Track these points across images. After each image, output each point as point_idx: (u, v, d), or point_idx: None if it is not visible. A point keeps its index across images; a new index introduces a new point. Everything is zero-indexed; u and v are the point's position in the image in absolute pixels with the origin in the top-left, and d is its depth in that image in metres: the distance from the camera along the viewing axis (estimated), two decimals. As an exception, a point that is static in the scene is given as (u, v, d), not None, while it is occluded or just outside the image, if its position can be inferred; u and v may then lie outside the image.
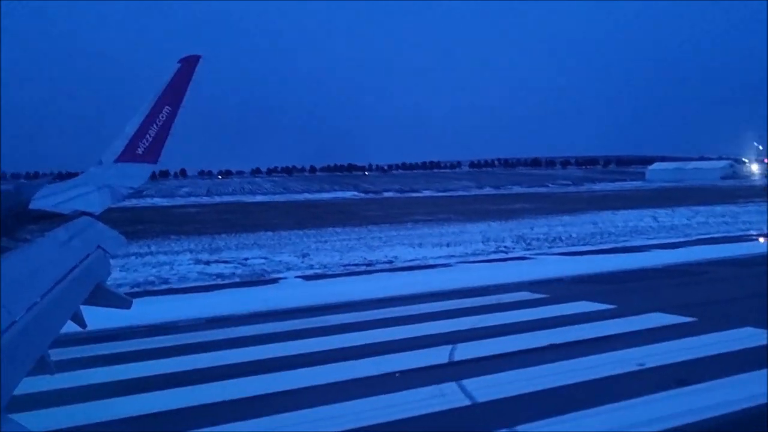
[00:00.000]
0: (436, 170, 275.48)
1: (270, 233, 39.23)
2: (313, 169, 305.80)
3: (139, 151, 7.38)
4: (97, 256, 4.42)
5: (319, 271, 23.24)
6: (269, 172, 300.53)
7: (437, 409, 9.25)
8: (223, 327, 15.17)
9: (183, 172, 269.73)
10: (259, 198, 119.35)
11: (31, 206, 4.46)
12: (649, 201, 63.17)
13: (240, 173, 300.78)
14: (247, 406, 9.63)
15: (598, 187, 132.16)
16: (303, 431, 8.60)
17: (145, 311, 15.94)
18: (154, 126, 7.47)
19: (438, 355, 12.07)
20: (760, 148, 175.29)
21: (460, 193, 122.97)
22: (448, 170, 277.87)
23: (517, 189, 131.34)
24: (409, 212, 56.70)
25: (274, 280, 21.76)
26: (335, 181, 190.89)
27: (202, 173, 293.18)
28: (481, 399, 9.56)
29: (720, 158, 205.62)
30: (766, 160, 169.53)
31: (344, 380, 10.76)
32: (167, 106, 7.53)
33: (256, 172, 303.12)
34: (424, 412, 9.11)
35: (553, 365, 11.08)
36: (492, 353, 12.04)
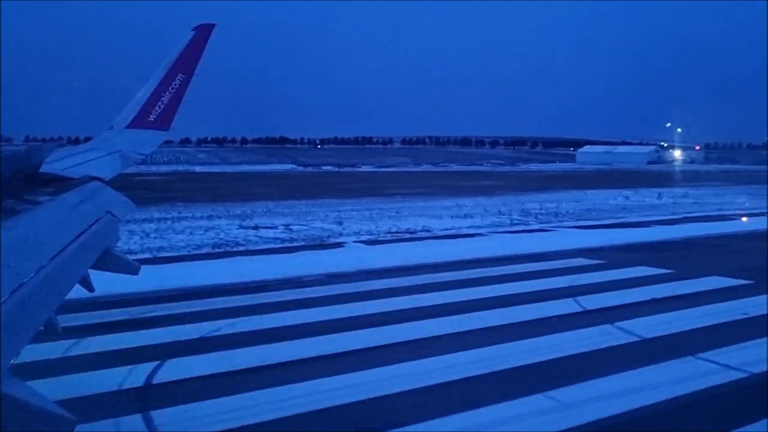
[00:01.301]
0: (368, 146, 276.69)
1: (273, 203, 40.55)
2: (244, 141, 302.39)
3: (151, 118, 7.41)
4: (107, 221, 4.49)
5: (370, 237, 25.14)
6: (199, 142, 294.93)
7: (604, 345, 11.45)
8: (347, 282, 16.94)
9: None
10: (200, 168, 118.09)
11: (42, 169, 4.50)
12: (602, 182, 66.93)
13: (168, 143, 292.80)
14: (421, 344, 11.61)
15: (535, 167, 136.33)
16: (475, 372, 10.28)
17: (271, 266, 17.89)
18: (167, 93, 7.48)
19: (569, 306, 14.33)
20: (679, 130, 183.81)
21: (403, 169, 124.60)
22: (380, 146, 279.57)
23: (454, 167, 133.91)
24: (387, 186, 58.63)
25: (339, 244, 23.53)
26: (270, 154, 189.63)
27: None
28: (648, 335, 11.93)
29: (641, 143, 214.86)
30: (697, 147, 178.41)
31: (510, 323, 12.90)
32: (180, 74, 7.52)
33: (186, 142, 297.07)
34: (594, 348, 11.27)
35: (676, 312, 13.53)
36: (615, 304, 14.37)
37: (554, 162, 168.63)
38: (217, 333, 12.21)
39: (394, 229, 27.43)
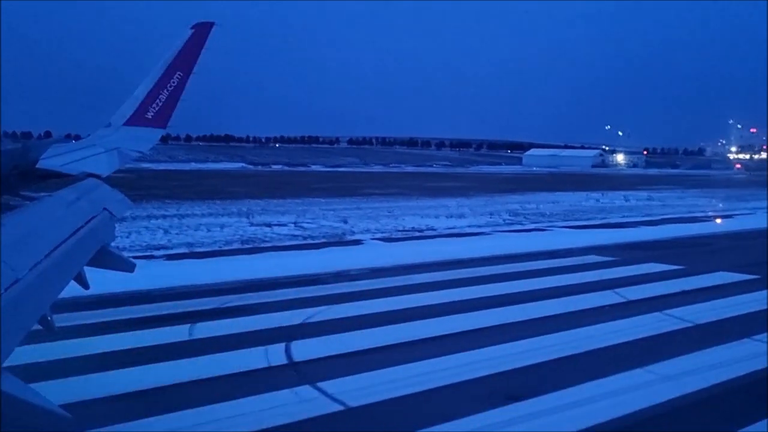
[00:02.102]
0: (314, 145, 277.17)
1: (260, 201, 41.27)
2: (189, 138, 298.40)
3: (149, 115, 7.48)
4: (103, 218, 4.50)
5: (384, 235, 26.33)
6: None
7: (666, 330, 12.95)
8: (395, 276, 18.12)
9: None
10: (150, 165, 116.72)
11: (39, 165, 4.57)
12: (563, 185, 69.48)
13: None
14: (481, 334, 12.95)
15: (486, 169, 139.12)
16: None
17: (311, 261, 19.04)
18: (165, 91, 7.53)
19: (611, 296, 15.82)
20: (620, 133, 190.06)
21: (357, 169, 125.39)
22: (326, 145, 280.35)
23: (407, 168, 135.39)
24: (357, 186, 59.71)
25: (358, 242, 24.69)
26: (217, 152, 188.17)
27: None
28: (701, 321, 13.51)
29: (582, 146, 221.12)
30: (645, 152, 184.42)
31: (571, 311, 14.32)
32: (179, 72, 7.58)
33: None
34: (658, 332, 12.75)
35: (710, 302, 15.18)
36: (652, 295, 15.92)
37: (500, 164, 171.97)
38: (313, 319, 13.27)
39: (399, 228, 28.67)
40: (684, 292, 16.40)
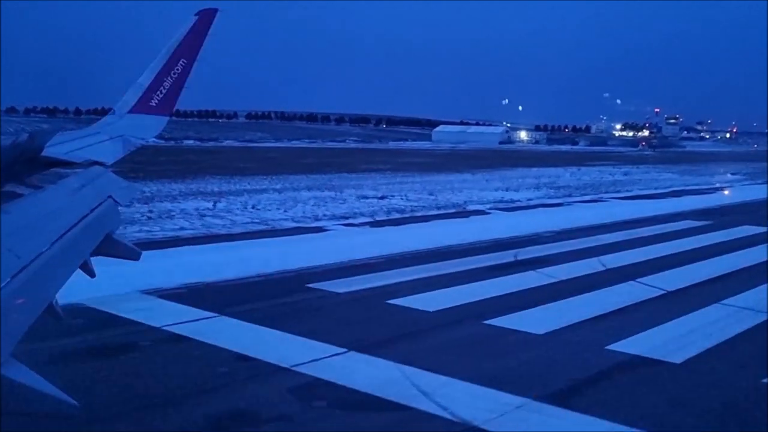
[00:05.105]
0: (212, 119, 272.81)
1: (299, 177, 43.94)
2: (78, 111, 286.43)
3: (153, 102, 7.45)
4: (108, 205, 4.54)
5: (493, 206, 30.27)
6: (27, 111, 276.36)
7: None
8: (586, 236, 22.04)
9: None
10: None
11: (44, 153, 4.58)
12: (518, 161, 75.06)
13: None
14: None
15: (407, 145, 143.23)
16: None
17: (496, 226, 23.10)
18: (169, 78, 7.53)
19: (761, 253, 20.27)
20: (520, 108, 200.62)
21: (281, 144, 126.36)
22: (225, 120, 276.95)
23: (328, 143, 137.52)
24: (342, 163, 62.67)
25: (482, 212, 28.53)
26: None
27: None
28: None
29: (478, 123, 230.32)
30: (566, 130, 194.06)
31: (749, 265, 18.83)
32: (183, 59, 7.57)
33: (11, 111, 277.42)
34: None
35: None
36: None
37: (406, 140, 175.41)
38: (605, 268, 17.24)
39: (484, 200, 32.58)
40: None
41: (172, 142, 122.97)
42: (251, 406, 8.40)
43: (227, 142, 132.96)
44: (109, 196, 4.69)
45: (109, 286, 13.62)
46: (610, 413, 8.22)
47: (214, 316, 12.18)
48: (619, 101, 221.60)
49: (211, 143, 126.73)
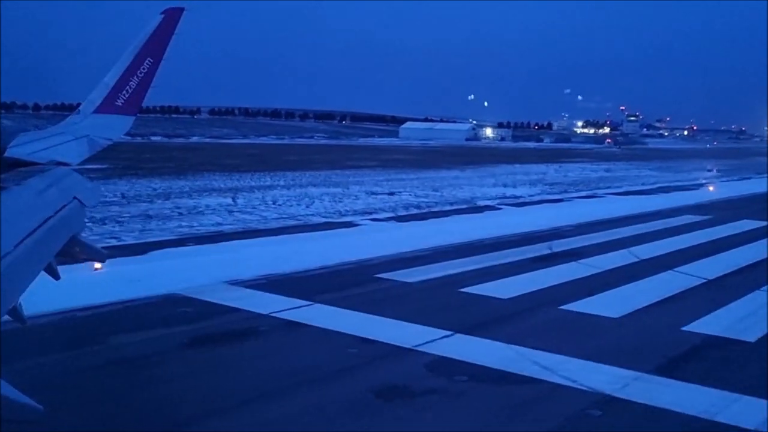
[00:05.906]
0: (175, 115, 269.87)
1: (304, 172, 44.71)
2: (37, 107, 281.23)
3: (119, 102, 7.35)
4: (73, 207, 4.46)
5: (500, 202, 31.43)
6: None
7: None
8: (605, 229, 23.25)
9: None
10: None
11: (7, 154, 4.53)
12: (496, 158, 76.69)
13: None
14: None
15: (377, 142, 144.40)
16: None
17: (512, 222, 24.15)
18: (135, 78, 7.43)
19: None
20: (486, 104, 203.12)
21: (241, 140, 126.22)
22: (188, 116, 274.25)
23: (298, 140, 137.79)
24: (331, 160, 63.57)
25: (492, 207, 29.70)
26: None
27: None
28: None
29: (442, 120, 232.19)
30: (536, 127, 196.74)
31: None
32: (149, 58, 7.48)
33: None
34: None
35: None
36: None
37: (374, 137, 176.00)
38: (639, 258, 18.46)
39: (488, 196, 33.82)
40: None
41: (139, 139, 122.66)
42: (402, 380, 9.27)
43: (195, 139, 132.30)
44: (75, 198, 4.64)
45: (191, 277, 14.49)
46: (715, 383, 9.30)
47: (310, 304, 12.99)
48: (580, 98, 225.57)
49: (180, 140, 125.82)
